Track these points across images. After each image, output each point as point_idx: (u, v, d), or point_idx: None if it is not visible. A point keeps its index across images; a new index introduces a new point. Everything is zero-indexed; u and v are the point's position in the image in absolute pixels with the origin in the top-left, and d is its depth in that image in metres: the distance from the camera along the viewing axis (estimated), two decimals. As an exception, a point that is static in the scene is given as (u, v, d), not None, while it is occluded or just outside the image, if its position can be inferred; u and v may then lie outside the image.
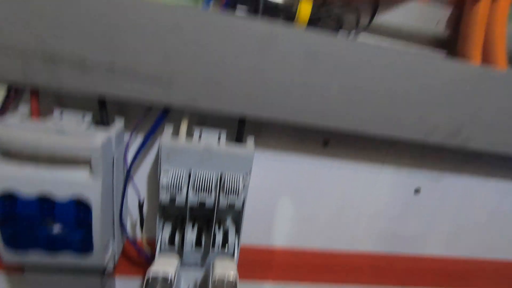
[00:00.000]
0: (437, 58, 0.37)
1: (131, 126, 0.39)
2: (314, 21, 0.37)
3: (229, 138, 0.39)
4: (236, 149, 0.36)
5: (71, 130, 0.33)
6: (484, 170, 0.50)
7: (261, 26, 0.32)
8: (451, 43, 0.43)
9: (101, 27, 0.30)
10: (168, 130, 0.37)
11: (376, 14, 0.40)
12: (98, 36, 0.30)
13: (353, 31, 0.40)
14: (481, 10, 0.39)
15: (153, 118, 0.38)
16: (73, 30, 0.30)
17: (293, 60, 0.34)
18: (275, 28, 0.33)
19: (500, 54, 0.40)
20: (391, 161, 0.47)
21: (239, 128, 0.39)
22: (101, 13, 0.30)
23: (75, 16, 0.30)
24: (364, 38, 0.42)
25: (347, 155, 0.45)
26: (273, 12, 0.36)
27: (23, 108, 0.36)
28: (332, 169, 0.45)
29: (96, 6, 0.30)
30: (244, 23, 0.32)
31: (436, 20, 0.42)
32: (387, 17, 0.41)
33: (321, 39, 0.34)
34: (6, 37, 0.30)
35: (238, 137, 0.39)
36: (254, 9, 0.36)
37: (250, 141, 0.39)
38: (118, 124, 0.37)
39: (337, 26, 0.39)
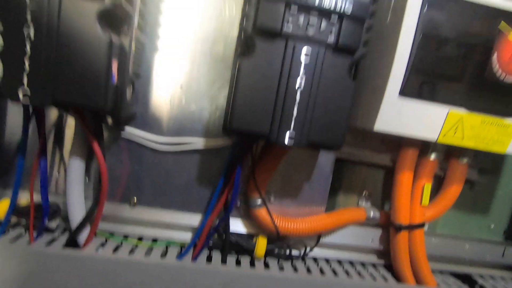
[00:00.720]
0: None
1: None
2: (270, 252, 0.48)
3: None
4: None
5: None
6: None
7: (222, 272, 0.42)
8: (387, 255, 0.53)
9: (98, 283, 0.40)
10: None
11: (320, 240, 0.51)
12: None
13: (303, 254, 0.50)
14: (401, 238, 0.49)
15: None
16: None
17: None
18: (235, 272, 0.42)
19: (426, 274, 0.50)
20: None
21: None
22: (99, 272, 0.40)
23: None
24: (315, 252, 0.52)
25: None
26: (236, 248, 0.47)
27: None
28: None
29: (91, 267, 0.40)
30: (207, 270, 0.42)
31: (370, 238, 0.53)
32: (331, 238, 0.52)
33: (271, 278, 0.43)
34: None
35: None
36: (222, 247, 0.46)
37: None
38: None
39: (289, 253, 0.49)
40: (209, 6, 0.44)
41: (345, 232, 0.53)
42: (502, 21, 0.36)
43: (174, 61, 0.45)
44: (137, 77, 0.43)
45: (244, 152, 0.42)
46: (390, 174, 0.53)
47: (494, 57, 0.37)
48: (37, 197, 0.42)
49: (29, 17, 0.30)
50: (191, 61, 0.45)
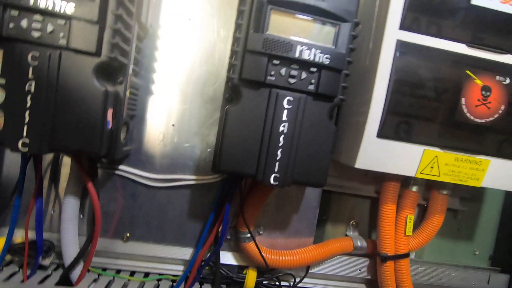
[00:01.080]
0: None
1: None
2: (259, 284, 0.49)
3: None
4: None
5: None
6: None
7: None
8: (375, 284, 0.54)
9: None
10: None
11: (309, 271, 0.52)
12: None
13: (292, 285, 0.51)
14: (388, 268, 0.51)
15: None
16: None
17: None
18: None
19: (412, 301, 0.51)
20: None
21: None
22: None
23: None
24: (305, 283, 0.53)
25: None
26: (227, 281, 0.48)
27: None
28: None
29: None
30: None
31: (358, 268, 0.54)
32: (321, 268, 0.53)
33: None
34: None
35: None
36: (213, 280, 0.47)
37: None
38: None
39: (279, 285, 0.50)
40: (201, 51, 0.47)
41: (333, 262, 0.54)
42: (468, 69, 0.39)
43: (167, 102, 0.47)
44: (132, 118, 0.45)
45: (233, 188, 0.44)
46: (376, 203, 0.54)
47: (463, 100, 0.40)
48: (31, 234, 0.43)
49: (31, 73, 0.33)
50: (183, 101, 0.47)
